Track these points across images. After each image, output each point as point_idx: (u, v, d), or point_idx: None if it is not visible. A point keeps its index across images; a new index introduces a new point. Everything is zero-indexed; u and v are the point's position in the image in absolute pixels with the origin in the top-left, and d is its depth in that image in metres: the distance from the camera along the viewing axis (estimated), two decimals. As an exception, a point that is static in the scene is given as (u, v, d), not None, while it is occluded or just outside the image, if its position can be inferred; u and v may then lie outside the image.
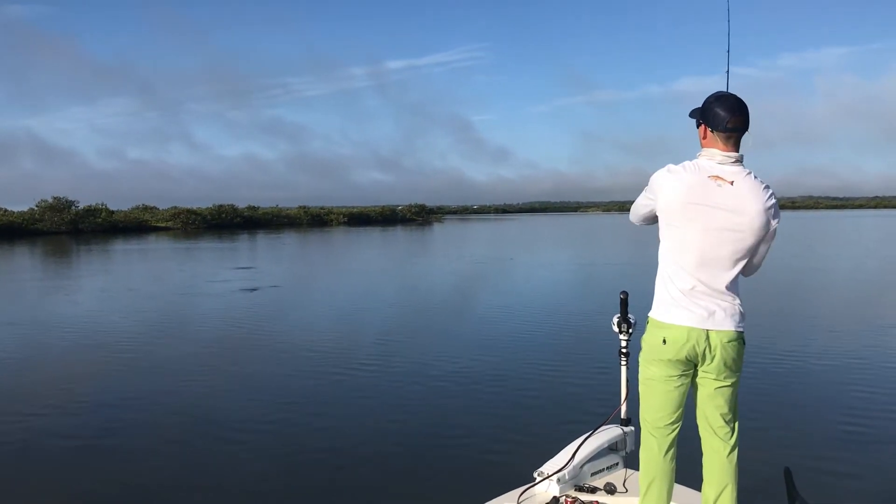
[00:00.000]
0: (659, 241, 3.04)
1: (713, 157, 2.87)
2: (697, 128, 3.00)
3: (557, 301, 16.45)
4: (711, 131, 2.90)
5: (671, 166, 2.94)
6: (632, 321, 3.72)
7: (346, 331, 12.29)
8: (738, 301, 2.88)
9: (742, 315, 2.89)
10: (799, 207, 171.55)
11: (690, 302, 2.84)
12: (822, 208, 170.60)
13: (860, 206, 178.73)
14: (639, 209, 3.11)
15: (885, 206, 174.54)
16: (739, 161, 2.88)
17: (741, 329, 2.88)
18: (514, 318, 13.38)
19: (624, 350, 3.74)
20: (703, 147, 2.97)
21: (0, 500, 5.17)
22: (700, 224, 2.83)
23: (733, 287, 2.87)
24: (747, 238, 2.83)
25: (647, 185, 3.05)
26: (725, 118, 2.86)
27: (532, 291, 18.49)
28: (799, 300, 15.93)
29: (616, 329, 3.75)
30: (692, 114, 3.05)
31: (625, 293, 3.75)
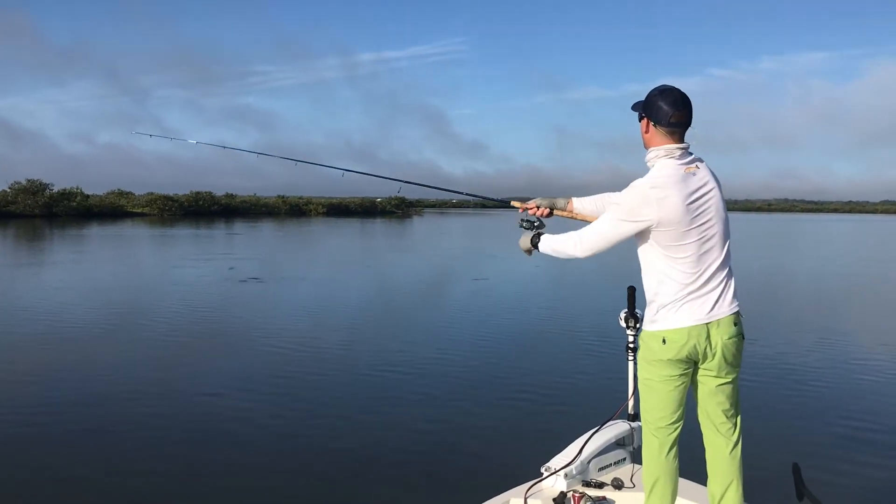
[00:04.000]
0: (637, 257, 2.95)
1: (673, 153, 2.82)
2: (640, 121, 2.94)
3: (563, 296, 16.51)
4: (654, 125, 2.85)
5: (649, 182, 2.79)
6: (639, 316, 3.70)
7: (346, 325, 12.15)
8: (733, 279, 2.90)
9: (736, 292, 2.90)
10: (775, 210, 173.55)
11: (690, 298, 2.82)
12: (797, 211, 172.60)
13: (834, 210, 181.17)
14: (611, 237, 2.87)
15: (859, 211, 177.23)
16: (689, 149, 2.88)
17: (738, 310, 2.88)
18: (520, 314, 13.40)
19: (631, 345, 3.73)
20: (645, 142, 2.91)
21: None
22: (698, 216, 2.80)
23: (726, 263, 2.88)
24: (724, 212, 2.88)
25: (621, 215, 2.82)
26: (669, 113, 2.81)
27: (536, 287, 18.44)
28: (808, 301, 16.10)
29: (623, 324, 3.74)
30: (635, 107, 2.97)
31: (632, 287, 3.73)
